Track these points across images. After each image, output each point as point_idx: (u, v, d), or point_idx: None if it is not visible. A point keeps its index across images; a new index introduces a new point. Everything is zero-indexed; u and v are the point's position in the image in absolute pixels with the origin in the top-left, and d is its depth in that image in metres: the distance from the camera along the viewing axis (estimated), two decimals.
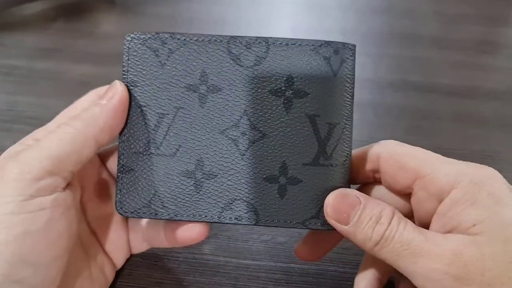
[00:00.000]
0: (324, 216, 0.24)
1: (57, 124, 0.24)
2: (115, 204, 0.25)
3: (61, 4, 0.65)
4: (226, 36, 0.24)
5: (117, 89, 0.24)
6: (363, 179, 0.27)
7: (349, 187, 0.25)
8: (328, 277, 0.30)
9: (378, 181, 0.27)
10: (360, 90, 0.49)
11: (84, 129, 0.23)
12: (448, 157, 0.24)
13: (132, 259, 0.31)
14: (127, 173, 0.25)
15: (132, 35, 0.25)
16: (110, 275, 0.28)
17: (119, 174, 0.25)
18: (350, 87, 0.24)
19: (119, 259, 0.29)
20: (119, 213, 0.25)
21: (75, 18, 0.62)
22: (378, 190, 0.27)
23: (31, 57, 0.52)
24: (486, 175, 0.22)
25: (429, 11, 0.66)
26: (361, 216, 0.22)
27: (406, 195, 0.25)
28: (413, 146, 0.25)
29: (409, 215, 0.26)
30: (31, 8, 0.63)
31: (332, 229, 0.24)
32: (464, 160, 0.23)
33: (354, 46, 0.25)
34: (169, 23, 0.62)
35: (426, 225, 0.23)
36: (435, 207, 0.23)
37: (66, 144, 0.22)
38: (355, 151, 0.26)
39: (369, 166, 0.26)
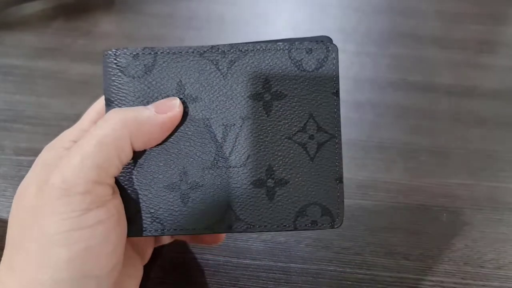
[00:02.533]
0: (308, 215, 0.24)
1: (90, 121, 0.24)
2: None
3: (60, 3, 0.65)
4: (193, 46, 0.24)
5: (176, 107, 0.23)
6: None
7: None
8: (327, 277, 0.30)
9: None
10: (359, 90, 0.49)
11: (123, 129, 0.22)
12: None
13: None
14: None
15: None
16: (141, 270, 0.28)
17: None
18: (331, 84, 0.24)
19: (147, 253, 0.28)
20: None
21: (74, 17, 0.61)
22: None
23: (30, 57, 0.52)
24: None
25: (429, 10, 0.66)
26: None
27: None
28: None
29: None
30: (31, 8, 0.63)
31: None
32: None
33: (330, 41, 0.24)
34: (168, 22, 0.61)
35: None
36: None
37: (107, 149, 0.21)
38: None
39: None
